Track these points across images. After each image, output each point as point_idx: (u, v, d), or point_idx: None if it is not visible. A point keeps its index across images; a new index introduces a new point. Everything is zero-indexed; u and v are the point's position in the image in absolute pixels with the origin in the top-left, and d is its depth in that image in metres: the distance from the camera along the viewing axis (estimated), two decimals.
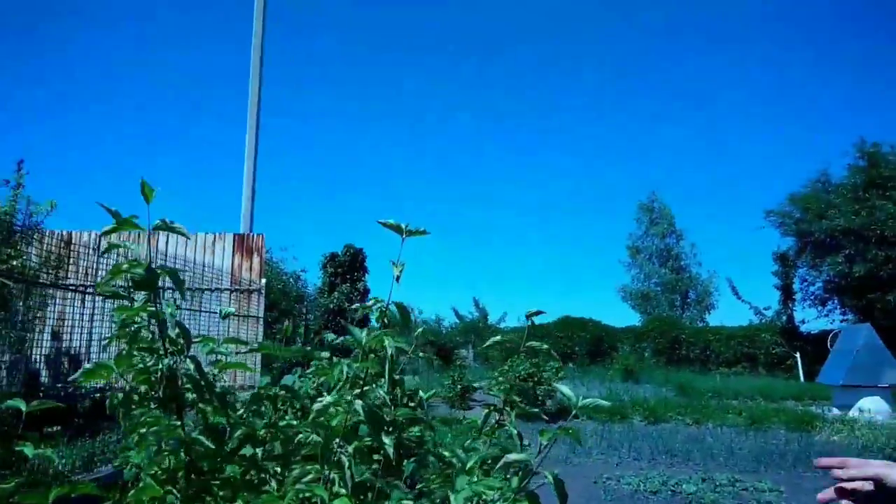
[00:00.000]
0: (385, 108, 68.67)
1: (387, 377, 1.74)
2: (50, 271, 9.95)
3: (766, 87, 61.98)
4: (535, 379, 13.93)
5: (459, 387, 15.72)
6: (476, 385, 16.11)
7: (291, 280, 12.81)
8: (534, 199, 67.23)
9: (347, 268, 16.32)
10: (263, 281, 12.92)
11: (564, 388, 1.76)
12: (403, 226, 1.77)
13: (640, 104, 64.11)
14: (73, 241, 13.10)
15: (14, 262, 8.60)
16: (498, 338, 2.07)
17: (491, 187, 67.07)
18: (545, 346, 1.95)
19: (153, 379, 1.69)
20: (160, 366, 1.67)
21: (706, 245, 55.62)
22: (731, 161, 63.92)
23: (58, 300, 13.01)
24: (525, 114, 67.58)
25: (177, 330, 1.73)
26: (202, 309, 12.72)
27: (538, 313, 1.95)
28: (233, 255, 13.11)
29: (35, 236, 12.60)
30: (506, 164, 65.95)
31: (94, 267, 13.02)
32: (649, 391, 17.95)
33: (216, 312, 12.68)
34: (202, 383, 1.72)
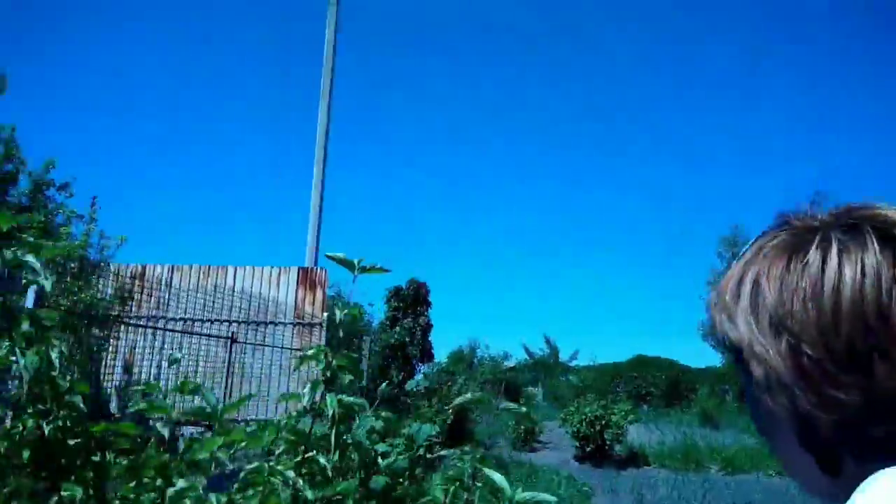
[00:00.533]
0: (449, 139, 69.37)
1: (332, 438, 1.48)
2: (118, 305, 10.23)
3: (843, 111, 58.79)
4: (604, 422, 13.26)
5: (524, 428, 15.18)
6: (538, 426, 15.52)
7: (356, 313, 12.77)
8: (609, 234, 65.82)
9: (411, 302, 16.26)
10: (325, 315, 12.95)
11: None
12: (356, 262, 1.54)
13: (719, 141, 62.09)
14: (146, 275, 13.64)
15: (82, 295, 8.90)
16: (468, 395, 1.80)
17: (563, 222, 66.19)
18: (523, 409, 1.67)
19: None
20: None
21: None
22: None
23: (129, 332, 13.50)
24: (596, 145, 66.74)
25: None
26: (265, 343, 12.86)
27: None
28: (297, 289, 13.26)
29: (111, 270, 13.18)
30: (580, 199, 65.01)
31: (166, 299, 13.46)
32: (729, 437, 16.76)
33: (279, 347, 12.80)
34: None
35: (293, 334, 13.01)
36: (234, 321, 13.19)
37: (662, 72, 63.12)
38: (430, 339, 16.43)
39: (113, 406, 13.22)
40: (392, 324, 15.91)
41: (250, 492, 1.35)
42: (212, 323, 13.18)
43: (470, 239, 68.93)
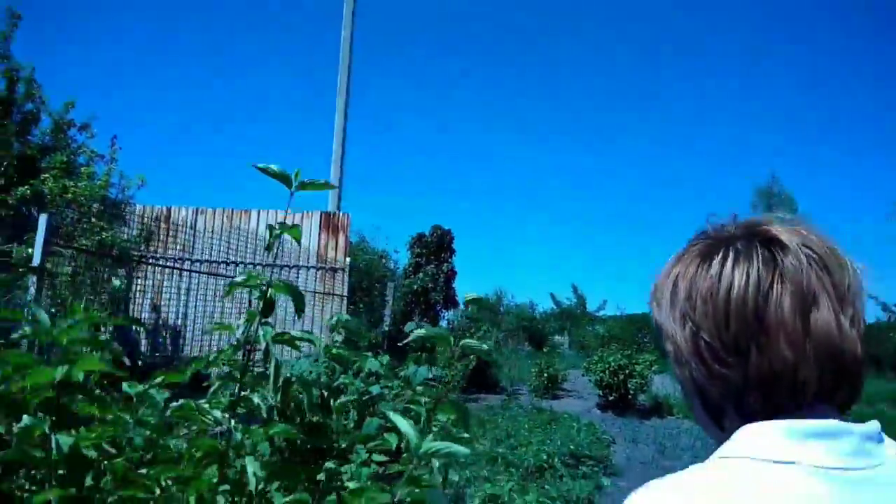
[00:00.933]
0: (479, 86, 67.96)
1: (271, 376, 1.32)
2: (142, 245, 10.30)
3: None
4: (627, 371, 13.14)
5: (546, 375, 15.16)
6: (561, 373, 15.48)
7: (376, 259, 12.74)
8: (642, 183, 64.52)
9: (434, 249, 16.13)
10: (348, 260, 12.93)
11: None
12: (293, 175, 1.36)
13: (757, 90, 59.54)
14: (171, 218, 13.73)
15: (104, 235, 8.94)
16: (421, 331, 1.62)
17: (593, 170, 65.01)
18: (484, 347, 1.49)
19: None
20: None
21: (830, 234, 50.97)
22: (859, 145, 58.26)
23: (157, 274, 13.69)
24: (630, 94, 64.69)
25: None
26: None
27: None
28: (319, 234, 13.22)
29: (135, 212, 13.28)
30: (610, 146, 63.58)
31: (191, 242, 13.56)
32: None
33: (307, 291, 12.85)
34: None
35: (316, 278, 13.05)
36: (257, 264, 13.27)
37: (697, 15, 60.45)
38: (454, 286, 16.35)
39: (143, 346, 13.57)
40: (415, 270, 15.83)
41: (180, 430, 1.21)
42: (235, 265, 13.28)
43: (497, 186, 68.20)
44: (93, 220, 9.31)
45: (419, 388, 2.16)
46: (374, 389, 2.59)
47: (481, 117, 68.37)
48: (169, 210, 13.76)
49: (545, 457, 7.27)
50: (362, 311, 13.45)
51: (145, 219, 13.37)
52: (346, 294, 12.80)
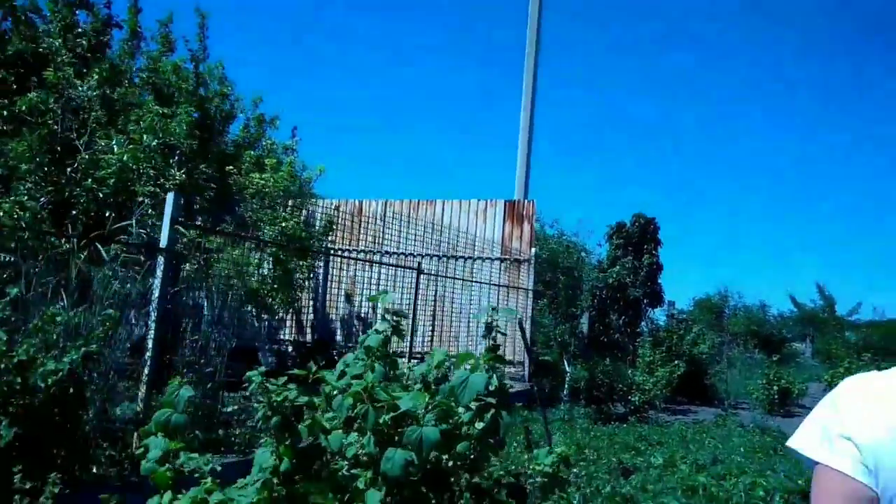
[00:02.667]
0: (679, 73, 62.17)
1: None
2: (322, 235, 10.47)
3: None
4: None
5: (776, 388, 12.81)
6: (796, 388, 12.96)
7: (562, 250, 11.71)
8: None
9: (636, 240, 14.55)
10: (533, 251, 12.07)
11: None
12: None
13: None
14: (363, 211, 14.06)
15: (284, 225, 9.15)
16: None
17: (837, 147, 56.00)
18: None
19: None
20: None
21: None
22: None
23: (350, 265, 14.12)
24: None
25: None
26: (473, 279, 12.46)
27: None
28: (503, 223, 12.55)
29: (331, 206, 13.79)
30: (858, 116, 54.31)
31: (381, 234, 13.76)
32: None
33: (487, 283, 12.29)
34: None
35: (500, 270, 12.40)
36: (442, 256, 13.01)
37: None
38: (659, 281, 14.61)
39: (339, 336, 14.13)
40: (612, 263, 14.40)
41: None
42: (422, 257, 13.15)
43: (718, 168, 61.94)
44: (277, 210, 9.63)
45: None
46: None
47: (695, 85, 62.34)
48: (361, 203, 14.11)
49: (762, 493, 5.73)
50: (548, 306, 12.47)
51: (340, 212, 13.87)
52: (531, 287, 11.95)
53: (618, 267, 14.03)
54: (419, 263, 8.80)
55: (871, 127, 55.57)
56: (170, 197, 4.95)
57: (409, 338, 8.00)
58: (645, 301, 14.70)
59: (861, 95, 56.82)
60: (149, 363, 4.76)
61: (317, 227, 11.27)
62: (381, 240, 13.77)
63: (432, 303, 12.98)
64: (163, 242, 4.84)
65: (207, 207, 10.51)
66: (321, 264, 14.21)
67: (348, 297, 13.96)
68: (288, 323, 14.41)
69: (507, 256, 12.34)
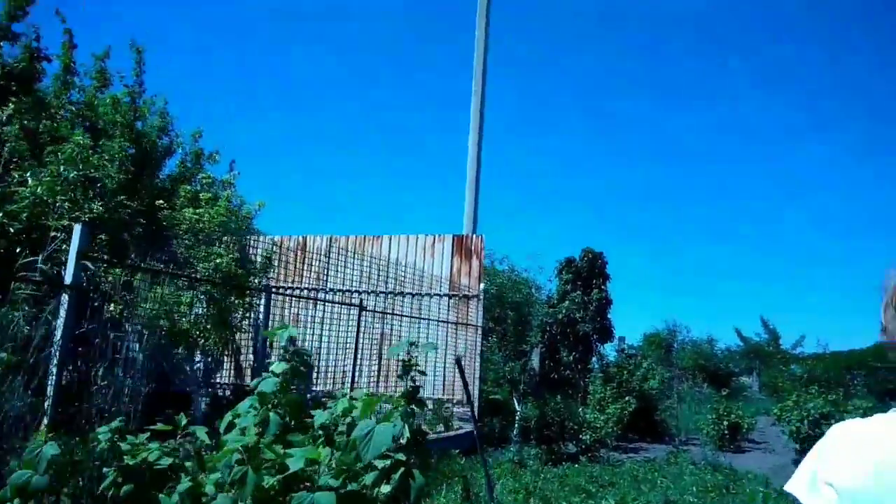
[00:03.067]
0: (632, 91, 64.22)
1: None
2: (260, 274, 10.03)
3: None
4: (833, 422, 10.54)
5: (726, 423, 12.80)
6: (745, 423, 12.99)
7: (510, 284, 11.56)
8: (832, 200, 56.80)
9: (585, 274, 14.54)
10: (482, 286, 11.88)
11: None
12: None
13: None
14: (307, 247, 13.67)
15: (219, 261, 8.71)
16: None
17: (782, 178, 58.32)
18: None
19: None
20: None
21: None
22: None
23: (292, 304, 13.63)
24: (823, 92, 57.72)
25: None
26: (420, 316, 12.16)
27: None
28: (452, 259, 12.36)
29: (271, 241, 13.34)
30: (796, 152, 56.91)
31: (326, 271, 13.37)
32: None
33: (434, 320, 12.01)
34: None
35: (448, 307, 12.14)
36: (389, 293, 12.69)
37: None
38: (609, 316, 14.58)
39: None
40: (562, 299, 14.33)
41: None
42: (368, 294, 12.80)
43: (664, 202, 63.67)
44: (212, 246, 9.20)
45: None
46: None
47: (636, 129, 64.24)
48: (305, 239, 13.72)
49: None
50: (498, 343, 12.23)
51: (283, 248, 13.43)
52: (480, 324, 11.72)
53: (567, 302, 13.94)
54: (361, 300, 8.47)
55: (816, 157, 58.26)
56: (77, 229, 4.55)
57: (350, 379, 7.61)
58: (595, 336, 14.63)
59: (811, 129, 59.67)
60: (48, 412, 4.28)
61: (256, 264, 10.85)
62: (325, 277, 13.38)
63: (377, 341, 12.60)
64: (67, 278, 4.41)
65: (135, 244, 9.98)
66: (261, 303, 13.69)
67: (291, 338, 13.41)
68: (226, 365, 13.76)
69: (455, 293, 12.11)
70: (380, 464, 1.74)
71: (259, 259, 10.62)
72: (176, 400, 11.27)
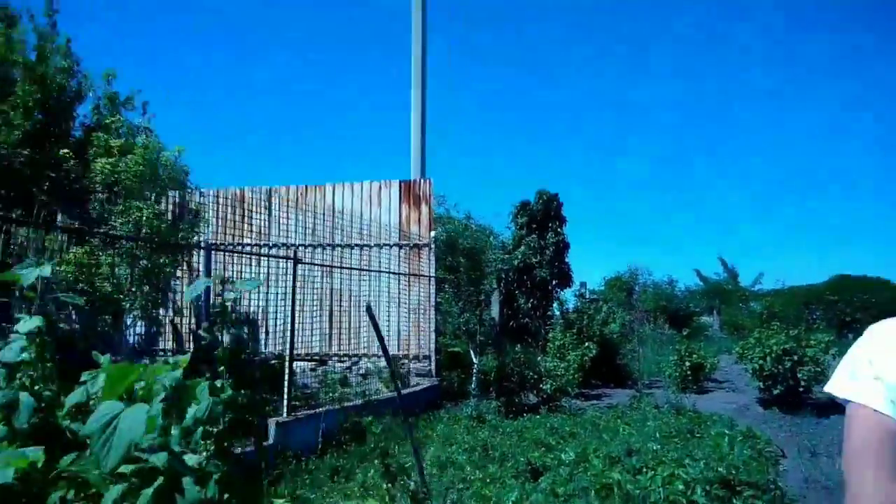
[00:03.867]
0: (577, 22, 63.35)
1: None
2: (188, 230, 9.30)
3: None
4: (796, 357, 10.50)
5: (688, 364, 12.74)
6: (708, 362, 12.94)
7: (460, 229, 11.06)
8: (792, 131, 57.47)
9: (541, 218, 14.12)
10: (433, 234, 11.37)
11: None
12: None
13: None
14: (245, 200, 12.88)
15: (137, 216, 7.97)
16: None
17: (743, 112, 58.60)
18: None
19: None
20: None
21: None
22: None
23: (235, 262, 12.91)
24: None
25: None
26: (370, 268, 11.62)
27: None
28: (399, 206, 11.76)
29: (207, 195, 12.52)
30: (752, 80, 57.23)
31: (267, 225, 12.66)
32: None
33: (385, 272, 11.49)
34: None
35: (399, 257, 11.62)
36: (336, 246, 12.09)
37: None
38: (567, 260, 14.23)
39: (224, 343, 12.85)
40: (518, 244, 13.92)
41: None
42: (314, 248, 12.19)
43: (620, 142, 63.64)
44: (131, 201, 8.41)
45: None
46: None
47: (584, 58, 63.46)
48: (243, 192, 12.91)
49: (681, 487, 5.24)
50: (454, 295, 11.81)
51: (220, 202, 12.64)
52: (432, 274, 11.25)
53: (523, 247, 13.53)
54: (294, 251, 7.86)
55: (776, 91, 58.70)
56: None
57: (287, 338, 7.08)
58: (554, 282, 14.33)
59: (768, 57, 59.86)
60: None
61: (186, 219, 10.10)
62: (267, 231, 12.67)
63: (328, 298, 12.06)
64: None
65: (46, 201, 9.13)
66: (200, 262, 12.96)
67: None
68: (167, 330, 13.08)
69: (406, 242, 11.57)
70: (128, 468, 1.16)
71: (188, 214, 9.88)
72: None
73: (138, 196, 8.49)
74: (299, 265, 11.85)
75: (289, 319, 7.41)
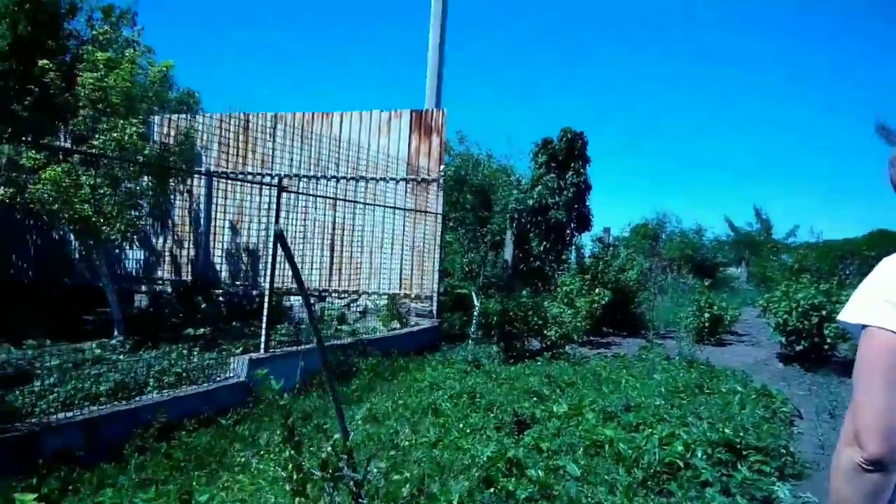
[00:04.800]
0: None
1: None
2: (178, 153, 8.81)
3: None
4: (824, 312, 9.86)
5: (707, 315, 12.18)
6: (729, 314, 12.35)
7: (471, 163, 10.42)
8: (844, 80, 54.65)
9: (563, 157, 13.35)
10: (442, 168, 10.77)
11: None
12: None
13: None
14: (250, 127, 12.35)
15: (117, 135, 7.51)
16: None
17: (786, 60, 55.80)
18: None
19: None
20: None
21: None
22: None
23: (238, 190, 12.51)
24: None
25: None
26: (376, 203, 11.12)
27: None
28: (409, 137, 11.13)
29: (208, 121, 12.01)
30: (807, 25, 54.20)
31: (271, 153, 12.15)
32: None
33: (386, 206, 10.98)
34: None
35: (406, 192, 11.07)
36: (341, 178, 11.57)
37: None
38: (587, 203, 13.51)
39: (224, 273, 12.61)
40: (536, 183, 13.20)
41: None
42: (318, 180, 11.69)
43: (652, 82, 61.35)
44: (111, 118, 7.93)
45: None
46: None
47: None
48: (247, 117, 12.37)
49: (680, 448, 4.76)
50: (465, 234, 11.27)
51: (223, 128, 12.15)
52: (439, 211, 10.70)
53: (540, 187, 12.82)
54: (279, 179, 7.37)
55: (815, 41, 55.69)
56: None
57: (268, 271, 6.68)
58: (573, 225, 13.68)
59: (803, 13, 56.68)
60: None
61: (185, 145, 9.62)
62: (271, 160, 12.18)
63: (329, 232, 11.63)
64: None
65: (28, 117, 8.71)
66: (202, 190, 12.58)
67: (234, 228, 12.43)
68: (167, 258, 12.83)
69: (413, 176, 10.99)
70: None
71: (175, 135, 9.37)
72: (85, 294, 10.38)
73: (127, 114, 8.01)
74: (298, 197, 11.45)
75: (280, 252, 6.99)
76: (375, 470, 2.71)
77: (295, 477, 2.12)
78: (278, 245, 7.36)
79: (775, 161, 53.97)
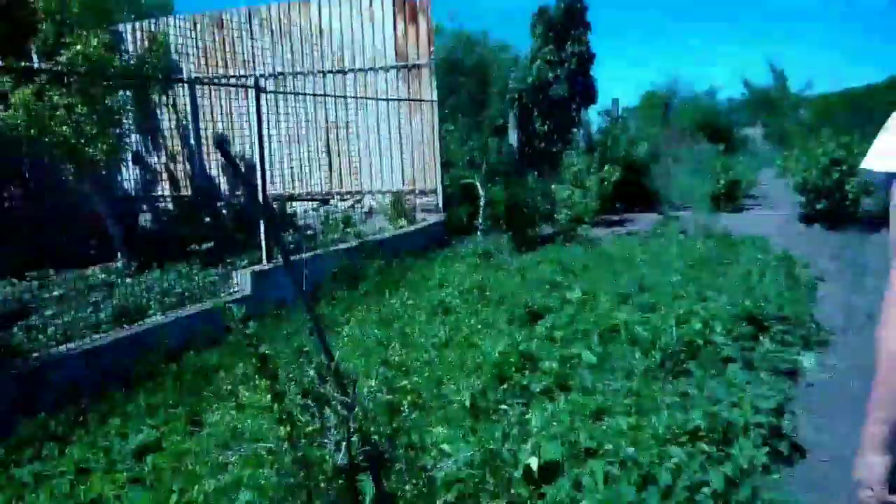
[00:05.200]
0: None
1: None
2: (146, 61, 8.32)
3: None
4: (844, 167, 9.48)
5: (723, 182, 11.84)
6: (746, 178, 11.99)
7: (462, 46, 9.77)
8: None
9: (561, 26, 12.48)
10: (432, 49, 10.15)
11: None
12: None
13: None
14: (224, 24, 11.65)
15: (80, 48, 7.03)
16: None
17: None
18: None
19: None
20: None
21: None
22: None
23: (223, 97, 12.03)
24: None
25: None
26: (367, 96, 10.61)
27: None
28: (394, 20, 10.43)
29: (175, 23, 11.33)
30: None
31: (250, 53, 11.52)
32: None
33: (376, 98, 10.49)
34: None
35: (397, 81, 10.51)
36: (327, 72, 11.00)
37: None
38: (591, 74, 12.75)
39: (223, 186, 12.34)
40: (534, 59, 12.42)
41: None
42: (305, 76, 11.14)
43: None
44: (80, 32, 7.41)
45: None
46: None
47: None
48: (220, 15, 11.62)
49: (699, 326, 4.63)
50: (467, 122, 10.79)
51: (197, 29, 11.49)
52: (434, 98, 10.19)
53: (538, 61, 12.07)
54: (256, 80, 6.92)
55: None
56: None
57: (257, 175, 6.43)
58: (578, 100, 13.04)
59: None
60: None
61: (158, 52, 9.07)
62: (251, 61, 11.56)
63: (324, 132, 11.20)
64: None
65: None
66: (187, 100, 12.09)
67: (223, 139, 11.97)
68: (164, 176, 12.55)
69: (402, 63, 10.39)
70: None
71: (148, 44, 8.81)
72: (82, 221, 10.22)
73: (95, 24, 7.48)
74: (287, 98, 10.96)
75: (266, 156, 6.69)
76: (366, 390, 2.57)
77: (276, 407, 1.98)
78: (263, 152, 7.07)
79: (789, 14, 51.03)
